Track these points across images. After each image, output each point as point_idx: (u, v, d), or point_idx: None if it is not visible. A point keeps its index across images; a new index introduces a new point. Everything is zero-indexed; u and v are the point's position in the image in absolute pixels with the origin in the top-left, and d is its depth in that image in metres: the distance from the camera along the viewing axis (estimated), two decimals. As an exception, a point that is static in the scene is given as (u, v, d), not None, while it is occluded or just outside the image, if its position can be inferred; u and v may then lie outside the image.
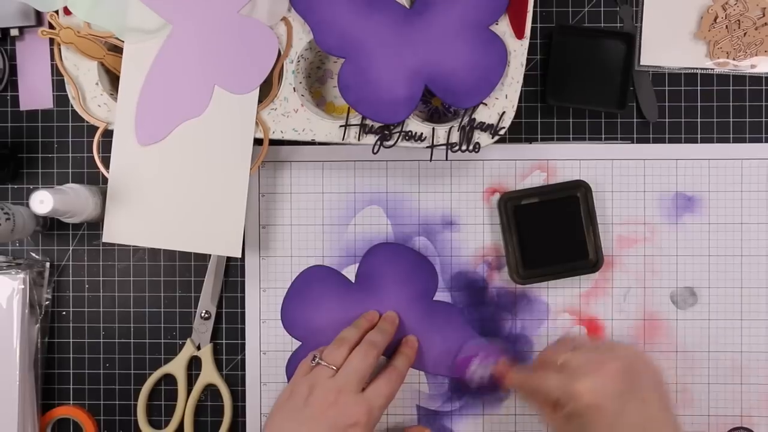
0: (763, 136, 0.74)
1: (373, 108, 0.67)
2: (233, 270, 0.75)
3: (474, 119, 0.67)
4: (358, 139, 0.68)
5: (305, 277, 0.74)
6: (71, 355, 0.75)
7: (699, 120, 0.74)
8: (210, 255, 0.74)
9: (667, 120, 0.74)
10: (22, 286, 0.72)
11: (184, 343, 0.75)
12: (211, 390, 0.75)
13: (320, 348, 0.67)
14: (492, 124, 0.67)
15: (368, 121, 0.67)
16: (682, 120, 0.74)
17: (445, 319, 0.72)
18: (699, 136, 0.74)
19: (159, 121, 0.68)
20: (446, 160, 0.73)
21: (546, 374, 0.62)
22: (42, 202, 0.63)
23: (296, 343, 0.74)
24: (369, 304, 0.72)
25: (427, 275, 0.73)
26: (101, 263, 0.75)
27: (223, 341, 0.75)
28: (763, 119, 0.74)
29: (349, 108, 0.67)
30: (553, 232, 0.72)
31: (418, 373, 0.74)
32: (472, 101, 0.67)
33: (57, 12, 0.67)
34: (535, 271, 0.72)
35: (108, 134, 0.69)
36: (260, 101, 0.68)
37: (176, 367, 0.74)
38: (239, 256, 0.70)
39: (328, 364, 0.63)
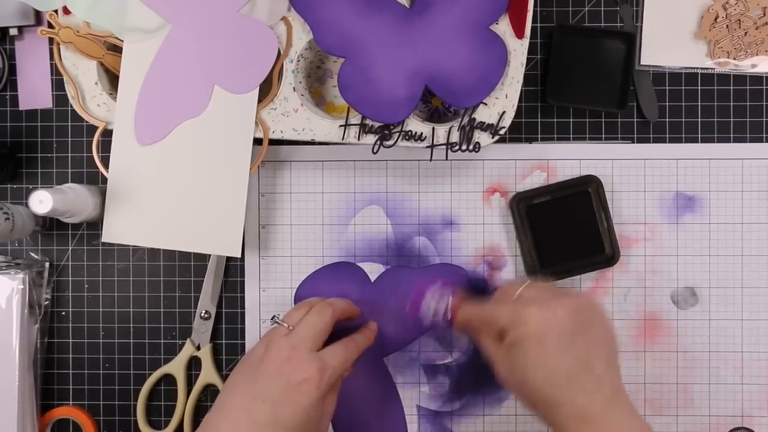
0: (764, 135, 0.74)
1: (373, 108, 0.66)
2: (233, 270, 0.75)
3: (474, 119, 0.67)
4: (358, 139, 0.68)
5: (333, 271, 0.73)
6: (71, 356, 0.75)
7: (699, 120, 0.74)
8: (210, 255, 0.74)
9: (667, 120, 0.74)
10: (22, 286, 0.72)
11: (183, 344, 0.75)
12: (211, 390, 0.75)
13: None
14: (492, 124, 0.67)
15: (368, 121, 0.67)
16: (683, 120, 0.74)
17: None
18: (699, 135, 0.74)
19: (158, 120, 0.68)
20: (446, 159, 0.73)
21: (500, 303, 0.62)
22: (41, 201, 0.63)
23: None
24: (384, 307, 0.72)
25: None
26: (101, 263, 0.75)
27: (223, 341, 0.75)
28: (764, 119, 0.74)
29: (349, 108, 0.67)
30: (568, 229, 0.72)
31: (418, 374, 0.74)
32: (472, 101, 0.66)
33: (56, 11, 0.67)
34: (552, 270, 0.72)
35: (107, 134, 0.69)
36: (260, 101, 0.68)
37: (176, 367, 0.74)
38: (239, 256, 0.69)
39: (287, 324, 0.63)
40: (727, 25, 0.73)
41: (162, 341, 0.75)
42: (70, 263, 0.75)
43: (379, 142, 0.67)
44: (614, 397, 0.58)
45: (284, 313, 0.66)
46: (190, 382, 0.75)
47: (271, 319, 0.65)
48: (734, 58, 0.73)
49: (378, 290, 0.73)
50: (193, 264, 0.75)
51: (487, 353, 0.63)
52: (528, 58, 0.67)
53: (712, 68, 0.74)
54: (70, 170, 0.75)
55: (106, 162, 0.69)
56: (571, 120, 0.75)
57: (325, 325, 0.63)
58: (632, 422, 0.58)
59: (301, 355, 0.61)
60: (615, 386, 0.59)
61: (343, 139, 0.68)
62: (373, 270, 0.74)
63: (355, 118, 0.67)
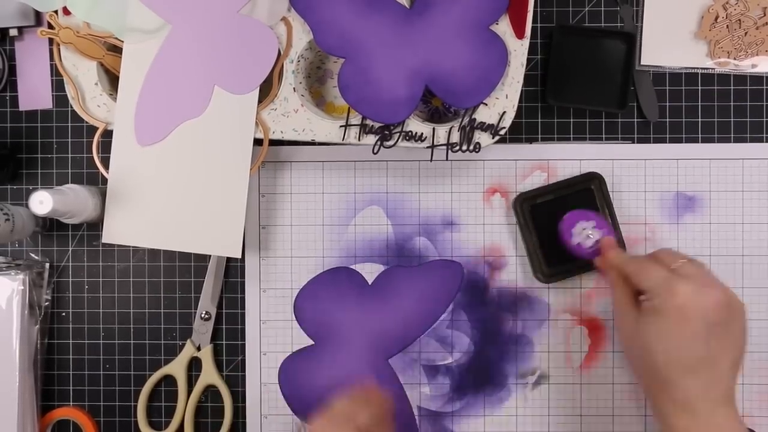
0: (764, 135, 0.74)
1: (374, 108, 0.66)
2: (233, 270, 0.75)
3: (474, 119, 0.67)
4: (358, 139, 0.68)
5: (332, 277, 0.73)
6: (71, 357, 0.75)
7: (700, 120, 0.74)
8: (210, 256, 0.74)
9: (667, 120, 0.74)
10: (22, 287, 0.72)
11: (184, 344, 0.74)
12: (211, 391, 0.75)
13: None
14: (492, 124, 0.67)
15: (368, 121, 0.67)
16: (683, 120, 0.74)
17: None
18: (700, 135, 0.74)
19: (159, 121, 0.68)
20: (446, 160, 0.73)
21: (654, 265, 0.61)
22: (41, 202, 0.63)
23: (296, 345, 0.74)
24: (384, 309, 0.72)
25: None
26: (101, 264, 0.75)
27: (224, 342, 0.75)
28: (764, 119, 0.74)
29: (349, 108, 0.67)
30: None
31: (419, 374, 0.74)
32: (472, 101, 0.66)
33: (56, 12, 0.66)
34: (558, 269, 0.72)
35: (107, 134, 0.69)
36: (260, 101, 0.68)
37: (176, 368, 0.74)
38: (239, 256, 0.69)
39: None
40: (727, 25, 0.73)
41: (162, 342, 0.75)
42: (70, 264, 0.75)
43: (379, 143, 0.67)
44: (725, 401, 0.58)
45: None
46: (190, 383, 0.75)
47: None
48: (734, 58, 0.73)
49: (376, 292, 0.73)
50: (194, 265, 0.75)
51: (618, 307, 0.62)
52: (528, 59, 0.67)
53: (712, 68, 0.74)
54: (70, 171, 0.75)
55: (106, 163, 0.69)
56: (572, 120, 0.75)
57: None
58: (738, 427, 0.58)
59: None
60: (729, 391, 0.58)
61: (343, 139, 0.68)
62: (374, 270, 0.74)
63: (356, 119, 0.67)
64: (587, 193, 0.72)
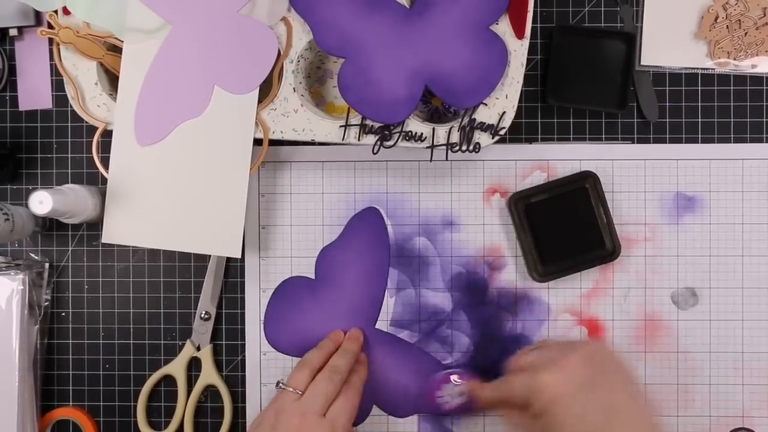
0: (764, 136, 0.74)
1: (373, 108, 0.66)
2: (233, 270, 0.75)
3: (474, 119, 0.67)
4: (358, 140, 0.68)
5: (279, 296, 0.74)
6: (71, 356, 0.75)
7: (700, 120, 0.74)
8: (210, 256, 0.74)
9: (667, 120, 0.74)
10: (22, 287, 0.72)
11: (183, 344, 0.74)
12: (211, 391, 0.75)
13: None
14: (492, 125, 0.67)
15: (368, 122, 0.67)
16: (683, 120, 0.74)
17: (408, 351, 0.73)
18: (700, 136, 0.74)
19: (158, 121, 0.68)
20: (446, 160, 0.73)
21: (511, 377, 0.62)
22: (41, 202, 0.63)
23: (296, 344, 0.74)
24: (335, 297, 0.73)
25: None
26: (101, 264, 0.75)
27: (223, 342, 0.75)
28: (764, 119, 0.74)
29: (349, 108, 0.67)
30: (567, 226, 0.72)
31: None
32: (472, 101, 0.66)
33: (56, 12, 0.66)
34: (554, 267, 0.72)
35: (107, 134, 0.69)
36: (260, 101, 0.68)
37: (176, 368, 0.74)
38: (239, 256, 0.69)
39: (293, 388, 0.64)
40: (727, 26, 0.73)
41: (162, 342, 0.75)
42: (70, 264, 0.75)
43: (379, 143, 0.67)
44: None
45: (287, 376, 0.67)
46: (190, 383, 0.75)
47: (276, 384, 0.66)
48: (734, 59, 0.73)
49: (322, 281, 0.73)
50: (193, 265, 0.75)
51: (518, 429, 0.63)
52: (528, 59, 0.67)
53: (712, 68, 0.74)
54: (69, 171, 0.75)
55: (105, 162, 0.69)
56: (571, 120, 0.75)
57: (336, 391, 0.64)
58: None
59: (312, 420, 0.62)
60: (650, 423, 0.59)
61: (343, 139, 0.68)
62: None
63: (355, 119, 0.67)
64: (582, 191, 0.72)
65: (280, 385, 0.65)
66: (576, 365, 0.59)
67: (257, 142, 0.68)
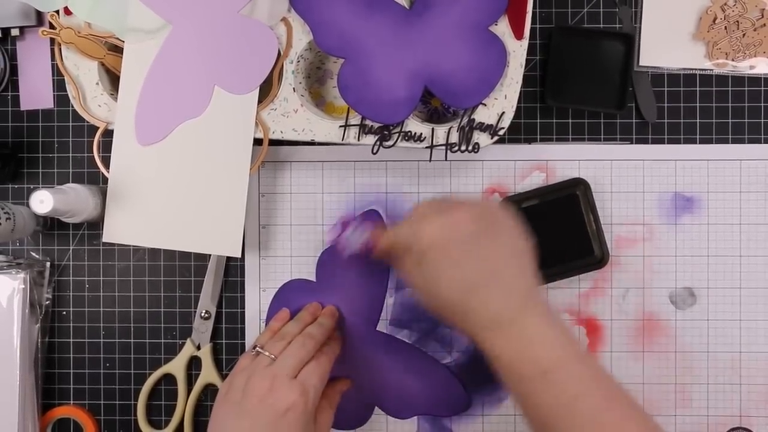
0: (762, 136, 0.74)
1: (373, 108, 0.67)
2: (233, 270, 0.75)
3: (473, 120, 0.67)
4: (358, 140, 0.68)
5: (280, 298, 0.73)
6: (71, 355, 0.75)
7: (698, 121, 0.74)
8: (210, 255, 0.75)
9: (666, 120, 0.74)
10: (23, 286, 0.72)
11: (184, 343, 0.75)
12: (211, 390, 0.75)
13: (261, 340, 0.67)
14: (491, 125, 0.67)
15: (368, 122, 0.67)
16: (681, 121, 0.74)
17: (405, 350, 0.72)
18: (698, 136, 0.74)
19: (159, 121, 0.68)
20: (446, 160, 0.73)
21: (401, 226, 0.61)
22: (42, 201, 0.63)
23: (296, 343, 0.74)
24: (335, 299, 0.72)
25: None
26: (101, 263, 0.76)
27: (223, 341, 0.75)
28: (762, 120, 0.74)
29: (348, 108, 0.67)
30: (557, 232, 0.72)
31: (417, 373, 0.74)
32: (471, 102, 0.67)
33: (57, 12, 0.67)
34: (542, 273, 0.72)
35: (108, 134, 0.69)
36: (260, 101, 0.68)
37: (176, 366, 0.75)
38: (239, 256, 0.70)
39: (268, 353, 0.64)
40: (725, 27, 0.73)
41: (162, 341, 0.75)
42: (70, 263, 0.76)
43: (378, 143, 0.67)
44: (528, 304, 0.57)
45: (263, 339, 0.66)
46: (190, 382, 0.75)
47: (252, 349, 0.65)
48: (732, 60, 0.73)
49: (321, 284, 0.73)
50: (194, 264, 0.75)
51: (402, 277, 0.62)
52: (527, 59, 0.67)
53: (710, 69, 0.74)
54: (71, 170, 0.76)
55: (106, 162, 0.69)
56: (570, 121, 0.75)
57: (308, 356, 0.64)
58: (547, 330, 0.56)
59: (282, 384, 0.61)
60: (529, 293, 0.58)
61: (342, 139, 0.68)
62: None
63: (355, 119, 0.67)
64: (572, 198, 0.72)
65: (257, 349, 0.64)
66: (464, 215, 0.58)
67: (257, 142, 0.68)
